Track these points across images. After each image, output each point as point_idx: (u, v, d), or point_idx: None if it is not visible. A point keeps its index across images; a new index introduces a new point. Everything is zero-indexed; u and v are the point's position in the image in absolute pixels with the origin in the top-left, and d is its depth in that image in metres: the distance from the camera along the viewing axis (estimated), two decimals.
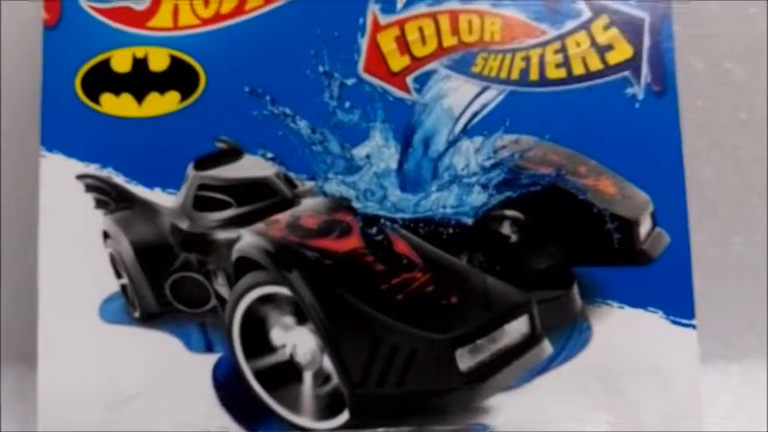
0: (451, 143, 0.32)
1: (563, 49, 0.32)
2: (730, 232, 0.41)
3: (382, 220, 0.31)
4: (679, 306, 0.31)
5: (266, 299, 0.31)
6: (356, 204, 0.32)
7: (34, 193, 0.31)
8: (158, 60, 0.32)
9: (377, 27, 0.32)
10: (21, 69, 0.38)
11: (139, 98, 0.32)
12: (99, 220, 0.32)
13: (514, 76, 0.32)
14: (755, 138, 0.41)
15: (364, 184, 0.32)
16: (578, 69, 0.32)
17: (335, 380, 0.30)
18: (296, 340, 0.31)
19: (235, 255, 0.31)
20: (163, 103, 0.32)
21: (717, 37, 0.39)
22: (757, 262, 0.42)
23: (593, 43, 0.32)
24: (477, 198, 0.31)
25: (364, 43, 0.32)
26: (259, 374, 0.31)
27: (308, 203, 0.32)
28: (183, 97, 0.32)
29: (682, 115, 0.33)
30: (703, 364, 0.32)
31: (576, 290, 0.31)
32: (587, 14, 0.32)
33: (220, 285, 0.32)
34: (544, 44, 0.32)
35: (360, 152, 0.32)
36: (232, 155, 0.32)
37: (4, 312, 0.40)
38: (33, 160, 0.32)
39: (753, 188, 0.41)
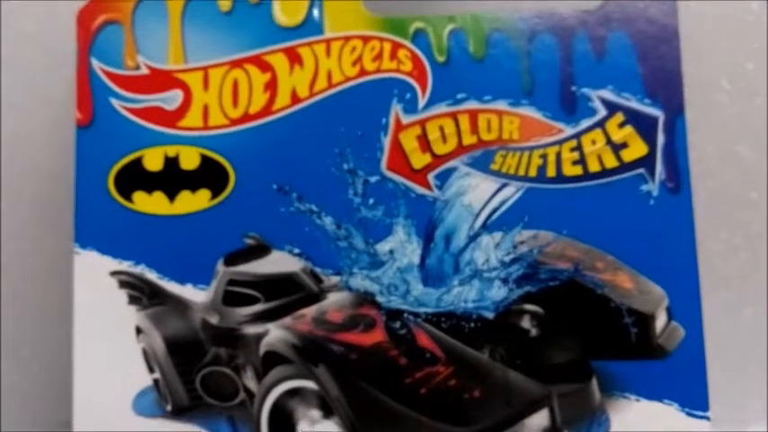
0: (472, 238, 0.33)
1: (579, 147, 0.33)
2: (740, 304, 0.42)
3: (405, 315, 0.32)
4: (694, 398, 0.32)
5: (293, 393, 0.32)
6: (380, 299, 0.32)
7: (68, 290, 0.33)
8: (189, 159, 0.33)
9: (399, 126, 0.33)
10: (55, 168, 0.39)
11: (171, 196, 0.33)
12: (132, 315, 0.33)
13: (532, 173, 0.33)
14: (765, 215, 0.42)
15: (388, 279, 0.33)
16: (594, 166, 0.33)
17: None
18: None
19: (263, 349, 0.32)
20: (194, 201, 0.33)
21: (727, 123, 0.41)
22: (766, 331, 0.42)
23: (609, 141, 0.33)
24: (498, 292, 0.32)
25: (387, 142, 0.33)
26: None
27: (333, 298, 0.32)
28: (214, 195, 0.33)
29: (694, 194, 0.33)
30: (713, 427, 0.33)
31: (594, 383, 0.32)
32: (602, 113, 0.33)
33: (249, 379, 0.32)
34: (561, 142, 0.33)
35: (383, 248, 0.33)
36: (260, 251, 0.33)
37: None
38: (67, 257, 0.33)
39: (762, 263, 0.42)
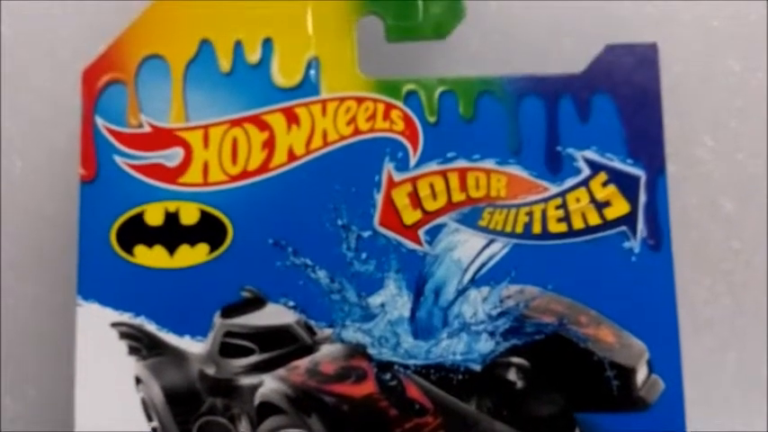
0: (460, 292, 0.34)
1: (564, 205, 0.34)
2: (724, 349, 0.44)
3: (396, 366, 0.33)
4: None
5: None
6: (371, 351, 0.34)
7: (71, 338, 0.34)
8: (189, 214, 0.34)
9: (391, 183, 0.34)
10: (58, 223, 0.41)
11: (171, 250, 0.34)
12: (132, 366, 0.34)
13: (519, 229, 0.34)
14: (746, 264, 0.43)
15: (379, 332, 0.34)
16: (578, 224, 0.34)
17: None
18: None
19: (257, 399, 0.33)
20: (193, 255, 0.34)
21: (710, 176, 0.42)
22: (749, 375, 0.44)
23: (593, 199, 0.34)
24: (485, 345, 0.33)
25: (380, 198, 0.34)
26: None
27: (326, 350, 0.34)
28: (212, 249, 0.34)
29: (678, 244, 0.35)
30: None
31: None
32: (586, 172, 0.34)
33: (244, 429, 0.33)
34: (546, 200, 0.34)
35: (375, 301, 0.34)
36: (256, 304, 0.34)
37: None
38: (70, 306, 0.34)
39: (744, 309, 0.43)
